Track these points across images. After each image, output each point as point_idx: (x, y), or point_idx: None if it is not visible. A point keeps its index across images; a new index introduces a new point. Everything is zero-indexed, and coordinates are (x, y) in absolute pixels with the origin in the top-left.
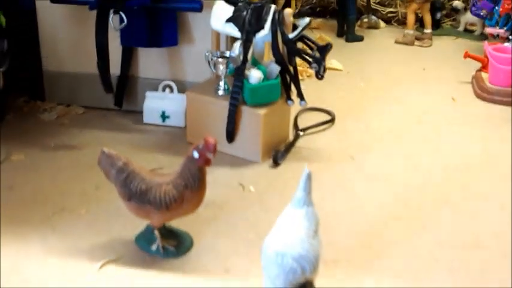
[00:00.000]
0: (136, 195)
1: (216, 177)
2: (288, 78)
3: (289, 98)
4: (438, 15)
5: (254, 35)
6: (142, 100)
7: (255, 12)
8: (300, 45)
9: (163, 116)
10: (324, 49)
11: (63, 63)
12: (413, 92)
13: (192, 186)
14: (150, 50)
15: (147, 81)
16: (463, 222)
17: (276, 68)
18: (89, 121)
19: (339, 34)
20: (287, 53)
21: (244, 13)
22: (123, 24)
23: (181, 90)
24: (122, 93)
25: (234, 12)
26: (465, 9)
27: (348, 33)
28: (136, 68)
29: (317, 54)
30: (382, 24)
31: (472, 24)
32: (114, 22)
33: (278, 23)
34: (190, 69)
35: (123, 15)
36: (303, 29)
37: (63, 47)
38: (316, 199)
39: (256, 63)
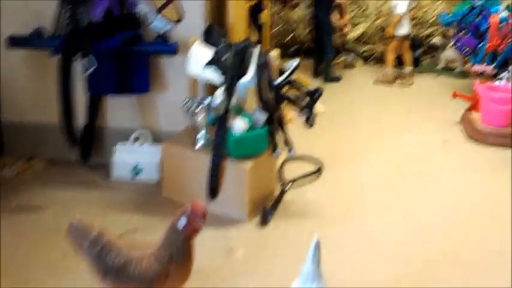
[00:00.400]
0: (113, 270)
1: (199, 240)
2: (275, 127)
3: (275, 148)
4: (417, 52)
5: (238, 80)
6: (112, 153)
7: (237, 55)
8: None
9: (135, 170)
10: (314, 94)
11: (24, 113)
12: (402, 136)
13: (177, 259)
14: (120, 97)
15: (117, 131)
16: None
17: (262, 116)
18: (53, 177)
19: (316, 74)
20: (274, 100)
21: (226, 56)
22: (92, 68)
23: (155, 140)
24: (89, 145)
25: (214, 55)
26: (445, 46)
27: (325, 73)
28: (105, 117)
29: (305, 100)
30: (359, 63)
31: (451, 61)
32: (80, 68)
33: (263, 67)
34: (164, 117)
35: (90, 61)
36: (291, 72)
37: (24, 94)
38: None
39: (240, 111)
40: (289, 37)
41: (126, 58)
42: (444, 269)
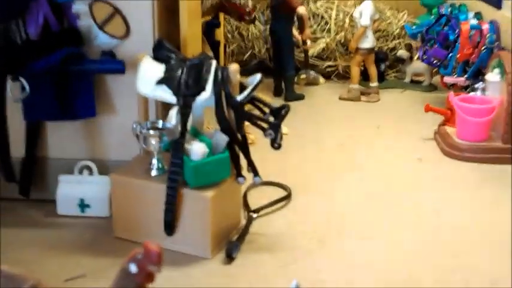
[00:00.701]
0: None
1: (156, 283)
2: (237, 150)
3: (239, 174)
4: (382, 66)
5: (193, 99)
6: (55, 186)
7: (192, 71)
8: (247, 107)
9: (82, 205)
10: (280, 112)
11: None
12: (373, 155)
13: None
14: (62, 124)
15: (60, 162)
16: None
17: (223, 139)
18: None
19: (277, 93)
20: (235, 119)
21: (179, 72)
22: (25, 93)
23: (103, 171)
24: (29, 178)
25: (166, 71)
26: (411, 58)
27: (286, 92)
28: (45, 146)
29: (271, 119)
30: (321, 79)
31: (418, 75)
32: (14, 91)
33: (222, 82)
34: (113, 145)
35: (25, 83)
36: (254, 88)
37: None
38: None
39: (197, 134)
40: (247, 54)
41: (68, 79)
42: None
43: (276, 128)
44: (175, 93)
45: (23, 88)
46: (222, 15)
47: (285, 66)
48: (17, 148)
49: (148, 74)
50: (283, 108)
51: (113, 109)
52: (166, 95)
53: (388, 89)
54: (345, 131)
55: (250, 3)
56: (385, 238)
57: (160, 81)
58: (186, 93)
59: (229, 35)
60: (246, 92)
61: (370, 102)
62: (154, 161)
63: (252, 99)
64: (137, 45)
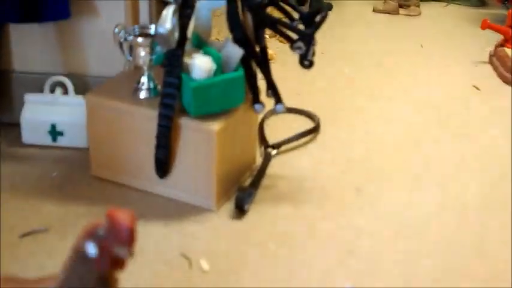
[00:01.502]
0: None
1: (141, 242)
2: (254, 67)
3: (257, 99)
4: None
5: None
6: (20, 107)
7: None
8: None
9: (54, 133)
10: (313, 18)
11: None
12: (418, 79)
13: None
14: (29, 28)
15: (26, 77)
16: None
17: (236, 52)
18: None
19: (300, 1)
20: (254, 25)
21: None
22: None
23: (81, 90)
24: None
25: None
26: None
27: (312, 0)
28: (8, 57)
29: (301, 27)
30: None
31: None
32: None
33: None
34: (93, 57)
35: None
36: None
37: None
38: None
39: (201, 45)
40: None
41: None
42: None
43: (308, 39)
44: None
45: None
46: None
47: None
48: None
49: None
50: (318, 14)
51: (93, 10)
52: None
53: (428, 2)
54: (383, 50)
55: None
56: (433, 186)
57: None
58: None
59: None
60: None
61: (410, 16)
62: (144, 79)
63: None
64: None
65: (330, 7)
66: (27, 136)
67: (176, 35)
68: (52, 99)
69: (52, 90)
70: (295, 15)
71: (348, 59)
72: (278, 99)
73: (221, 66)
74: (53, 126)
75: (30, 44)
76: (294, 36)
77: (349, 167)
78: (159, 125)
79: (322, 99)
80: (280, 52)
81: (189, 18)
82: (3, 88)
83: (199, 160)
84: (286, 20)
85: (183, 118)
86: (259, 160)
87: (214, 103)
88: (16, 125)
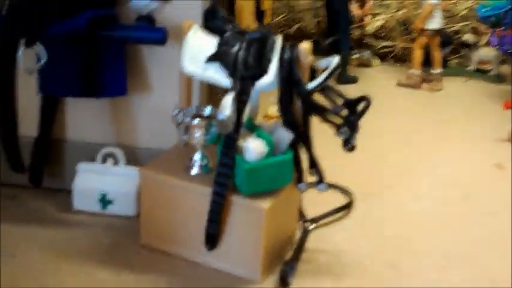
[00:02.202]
0: None
1: None
2: (299, 149)
3: (301, 179)
4: (445, 51)
5: (253, 83)
6: (72, 175)
7: (252, 47)
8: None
9: (104, 201)
10: (356, 105)
11: None
12: (443, 156)
13: None
14: (84, 101)
15: (80, 147)
16: None
17: (286, 136)
18: None
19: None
20: (303, 111)
21: (236, 48)
22: (41, 62)
23: (131, 161)
24: (41, 164)
25: (220, 46)
26: (477, 44)
27: (340, 73)
28: (63, 127)
29: (344, 112)
30: (375, 61)
31: (484, 62)
32: (26, 59)
33: (290, 64)
34: (143, 130)
35: (41, 50)
36: (330, 74)
37: None
38: None
39: (254, 128)
40: (294, 27)
41: (95, 47)
42: None
43: (352, 125)
44: (231, 75)
45: (39, 56)
46: None
47: (339, 43)
48: (29, 127)
49: (198, 48)
50: (362, 101)
51: (146, 87)
52: (219, 76)
53: (449, 77)
54: (408, 124)
55: None
56: (468, 265)
57: (212, 58)
58: (244, 75)
59: (276, 5)
60: (319, 79)
61: (432, 91)
62: (197, 157)
63: (323, 87)
64: (181, 10)
65: (355, 80)
66: (78, 203)
67: (233, 119)
68: (104, 169)
69: (103, 160)
70: (339, 100)
71: (375, 134)
72: (320, 179)
73: (272, 149)
74: (104, 195)
75: (84, 115)
76: (339, 121)
77: (383, 243)
78: (213, 202)
79: (352, 174)
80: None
81: (245, 104)
82: (56, 156)
83: (248, 235)
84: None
85: (234, 196)
86: (298, 233)
87: (264, 183)
88: (65, 191)
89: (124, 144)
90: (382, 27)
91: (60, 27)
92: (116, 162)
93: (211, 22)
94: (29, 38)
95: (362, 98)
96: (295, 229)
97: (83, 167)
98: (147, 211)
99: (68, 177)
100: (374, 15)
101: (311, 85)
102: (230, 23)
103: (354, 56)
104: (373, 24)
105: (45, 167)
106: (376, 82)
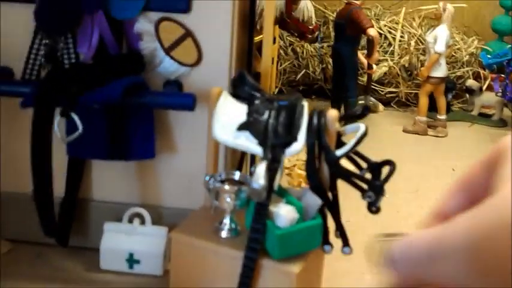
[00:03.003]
0: None
1: None
2: (325, 213)
3: (327, 241)
4: (449, 96)
5: (283, 150)
6: (99, 234)
7: (282, 115)
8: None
9: (131, 260)
10: (380, 169)
11: None
12: None
13: None
14: (112, 162)
15: (106, 207)
16: None
17: (315, 201)
18: (18, 265)
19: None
20: (329, 177)
21: (266, 116)
22: (77, 133)
23: (157, 221)
24: (68, 224)
25: (249, 114)
26: (481, 89)
27: (347, 120)
28: (90, 187)
29: (368, 176)
30: (380, 106)
31: (486, 107)
32: (61, 128)
33: (318, 131)
34: (169, 190)
35: (77, 120)
36: (358, 142)
37: None
38: None
39: (283, 193)
40: (300, 74)
41: (125, 112)
42: None
43: (378, 190)
44: (262, 143)
45: (72, 124)
46: (277, 30)
47: (346, 91)
48: (56, 187)
49: (228, 116)
50: (387, 165)
51: (172, 149)
52: (250, 144)
53: (454, 122)
54: (416, 172)
55: (313, 20)
56: None
57: (242, 127)
58: (275, 143)
59: (282, 52)
60: (347, 147)
61: (438, 137)
62: (226, 221)
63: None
64: (208, 76)
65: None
66: (105, 262)
67: (266, 187)
68: (130, 228)
69: (130, 220)
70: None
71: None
72: (346, 242)
73: (301, 215)
74: (131, 255)
75: (111, 176)
76: (364, 185)
77: None
78: (244, 266)
79: (361, 221)
80: None
81: (276, 171)
82: (82, 215)
83: None
84: (355, 168)
85: (265, 259)
86: None
87: (295, 248)
88: (91, 250)
89: (149, 204)
90: (386, 73)
91: (94, 95)
92: (142, 222)
93: (239, 89)
94: (65, 107)
95: (386, 162)
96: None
97: (109, 227)
98: (177, 274)
99: (94, 236)
100: (378, 62)
101: (339, 152)
102: (258, 90)
103: (360, 102)
104: (377, 72)
105: (71, 226)
106: (383, 127)
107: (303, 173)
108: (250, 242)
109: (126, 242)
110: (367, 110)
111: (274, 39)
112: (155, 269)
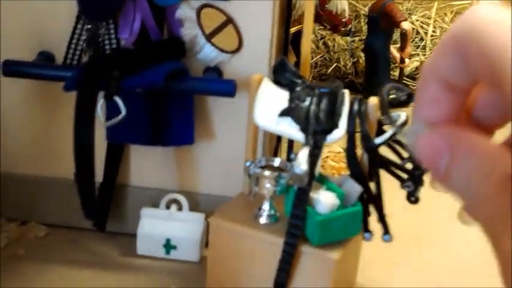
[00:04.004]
0: None
1: None
2: (368, 202)
3: (367, 229)
4: None
5: (324, 137)
6: (136, 220)
7: (323, 102)
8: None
9: (168, 246)
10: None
11: (19, 163)
12: None
13: None
14: (149, 148)
15: (143, 192)
16: None
17: (355, 188)
18: (55, 249)
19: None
20: (369, 165)
21: (307, 103)
22: (121, 116)
23: (194, 207)
24: (106, 210)
25: (291, 100)
26: None
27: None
28: (127, 173)
29: (408, 165)
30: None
31: None
32: (102, 112)
33: (359, 119)
34: (206, 177)
35: (121, 103)
36: (398, 130)
37: (18, 139)
38: None
39: (323, 181)
40: (331, 68)
41: (165, 97)
42: None
43: (417, 180)
44: (303, 129)
45: (113, 108)
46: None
47: (379, 85)
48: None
49: (270, 103)
50: None
51: (210, 135)
52: (291, 130)
53: None
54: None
55: (346, 13)
56: None
57: (284, 113)
58: (317, 130)
59: (313, 45)
60: (387, 135)
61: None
62: (266, 207)
63: (390, 141)
64: (248, 63)
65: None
66: (142, 248)
67: (308, 173)
68: (168, 214)
69: (167, 206)
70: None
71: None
72: (386, 230)
73: (342, 202)
74: (168, 241)
75: (148, 162)
76: (404, 175)
77: None
78: (284, 251)
79: (402, 219)
80: None
81: (317, 158)
82: (119, 200)
83: (315, 283)
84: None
85: (304, 246)
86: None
87: (335, 234)
88: (128, 235)
89: (186, 190)
90: (417, 68)
91: (137, 80)
92: (179, 208)
93: (281, 76)
94: (109, 91)
95: None
96: (355, 282)
97: (147, 212)
98: (215, 258)
99: (130, 221)
100: (410, 56)
101: (378, 140)
102: (299, 77)
103: (391, 97)
104: (410, 65)
105: (109, 212)
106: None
107: (336, 164)
108: (290, 228)
109: (163, 227)
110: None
111: None
112: (192, 255)
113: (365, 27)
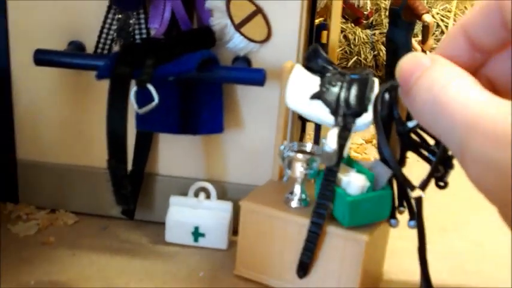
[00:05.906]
0: None
1: None
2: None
3: (393, 215)
4: None
5: (354, 120)
6: (164, 208)
7: (353, 87)
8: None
9: (196, 234)
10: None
11: (47, 151)
12: None
13: None
14: (178, 137)
15: (172, 181)
16: None
17: (385, 171)
18: (84, 237)
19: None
20: (400, 149)
21: (338, 88)
22: (154, 103)
23: (222, 196)
24: (135, 197)
25: (322, 84)
26: None
27: None
28: (156, 162)
29: (438, 151)
30: None
31: None
32: (135, 100)
33: (392, 104)
34: (235, 166)
35: (153, 91)
36: None
37: (49, 128)
38: None
39: (352, 163)
40: (352, 60)
41: (195, 87)
42: None
43: (447, 163)
44: (333, 112)
45: (144, 96)
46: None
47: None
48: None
49: (302, 86)
50: None
51: (239, 124)
52: (322, 112)
53: None
54: None
55: (368, 6)
56: None
57: (315, 96)
58: (346, 113)
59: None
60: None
61: None
62: (297, 191)
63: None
64: (276, 53)
65: None
66: (170, 235)
67: (337, 153)
68: (196, 203)
69: (196, 195)
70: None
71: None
72: (412, 216)
73: (372, 184)
74: (196, 228)
75: (177, 151)
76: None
77: (465, 278)
78: (310, 231)
79: (428, 208)
80: None
81: (346, 140)
82: (148, 189)
83: (344, 266)
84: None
85: (333, 227)
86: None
87: (365, 216)
88: (156, 223)
89: (214, 179)
90: None
91: (170, 68)
92: (207, 197)
93: (313, 62)
94: (141, 79)
95: None
96: (383, 269)
97: (175, 200)
98: (244, 242)
99: (159, 209)
100: (431, 49)
101: (411, 123)
102: (330, 64)
103: None
104: None
105: (137, 199)
106: None
107: (359, 155)
108: (317, 208)
109: (192, 215)
110: None
111: (327, 25)
112: (220, 242)
113: (386, 20)
